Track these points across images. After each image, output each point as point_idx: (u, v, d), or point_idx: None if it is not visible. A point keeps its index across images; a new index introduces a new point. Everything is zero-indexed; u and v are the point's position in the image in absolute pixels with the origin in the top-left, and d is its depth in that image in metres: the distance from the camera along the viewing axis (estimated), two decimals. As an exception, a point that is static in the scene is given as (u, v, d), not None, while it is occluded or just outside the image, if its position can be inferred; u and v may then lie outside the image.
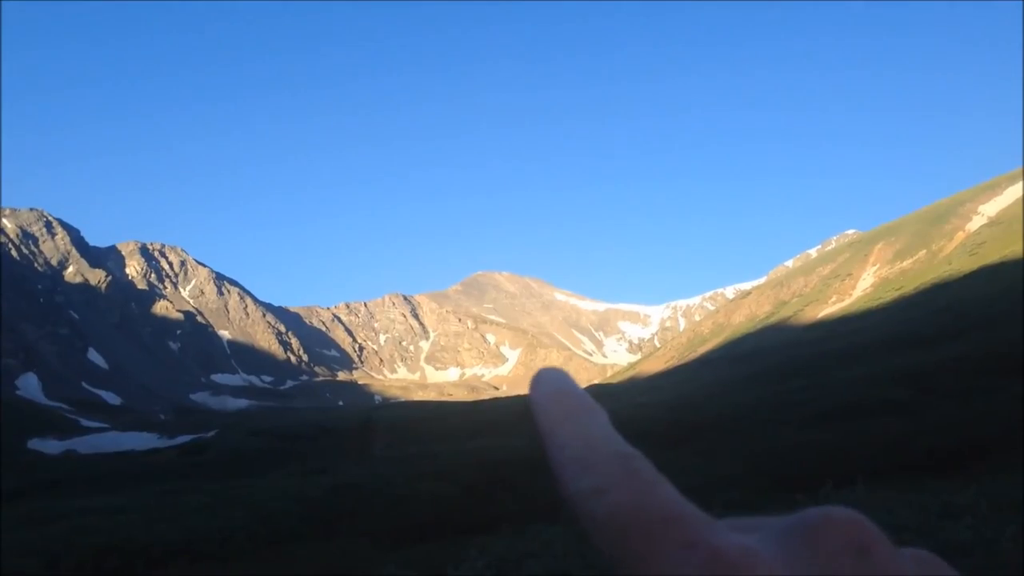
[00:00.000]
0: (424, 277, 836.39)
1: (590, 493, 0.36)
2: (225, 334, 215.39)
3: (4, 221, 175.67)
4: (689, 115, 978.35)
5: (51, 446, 58.14)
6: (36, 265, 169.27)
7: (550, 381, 0.43)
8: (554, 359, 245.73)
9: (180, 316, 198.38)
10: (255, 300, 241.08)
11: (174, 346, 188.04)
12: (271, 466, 35.54)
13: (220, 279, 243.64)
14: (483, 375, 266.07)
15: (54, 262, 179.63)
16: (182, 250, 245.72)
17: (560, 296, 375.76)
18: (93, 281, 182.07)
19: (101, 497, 24.67)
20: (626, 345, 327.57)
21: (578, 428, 0.39)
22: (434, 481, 24.12)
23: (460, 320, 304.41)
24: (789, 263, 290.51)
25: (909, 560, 0.37)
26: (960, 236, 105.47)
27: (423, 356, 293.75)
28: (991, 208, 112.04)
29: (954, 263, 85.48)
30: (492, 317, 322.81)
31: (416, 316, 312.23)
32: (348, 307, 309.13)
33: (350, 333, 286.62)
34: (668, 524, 0.34)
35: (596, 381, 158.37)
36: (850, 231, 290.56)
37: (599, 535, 0.35)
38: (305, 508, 20.94)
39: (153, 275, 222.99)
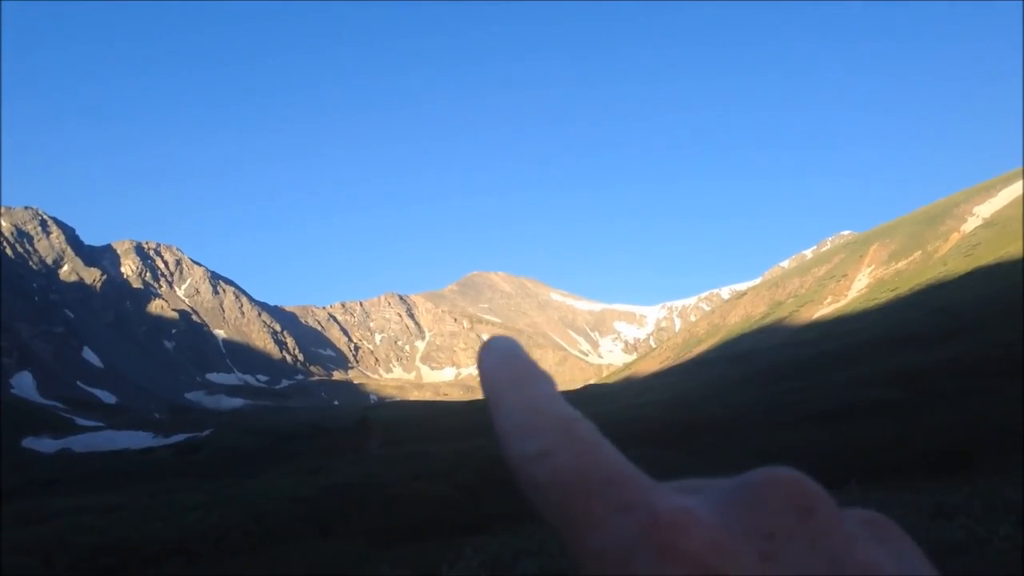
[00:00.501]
0: (420, 277, 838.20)
1: (532, 457, 0.35)
2: (220, 333, 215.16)
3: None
4: (686, 116, 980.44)
5: (46, 445, 57.98)
6: (31, 264, 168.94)
7: (498, 349, 0.43)
8: (550, 359, 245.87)
9: (175, 315, 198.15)
10: (250, 299, 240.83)
11: (169, 345, 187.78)
12: (266, 465, 35.51)
13: (215, 278, 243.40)
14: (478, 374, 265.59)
15: (49, 261, 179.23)
16: (177, 249, 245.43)
17: (556, 296, 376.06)
18: (88, 280, 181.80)
19: (96, 496, 24.63)
20: (622, 345, 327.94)
21: (523, 394, 0.39)
22: (429, 481, 24.11)
23: (456, 320, 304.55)
24: (785, 264, 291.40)
25: (855, 521, 0.36)
26: (955, 237, 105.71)
27: (419, 356, 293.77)
28: (986, 210, 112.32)
29: (949, 264, 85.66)
30: (488, 317, 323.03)
31: (412, 316, 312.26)
32: (344, 307, 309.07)
33: (346, 333, 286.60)
34: (608, 486, 0.34)
35: (592, 381, 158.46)
36: (845, 232, 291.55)
37: (540, 499, 0.35)
38: (300, 507, 20.90)
39: (148, 274, 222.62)
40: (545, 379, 0.40)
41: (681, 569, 0.33)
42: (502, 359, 0.42)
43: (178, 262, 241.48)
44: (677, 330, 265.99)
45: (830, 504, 0.34)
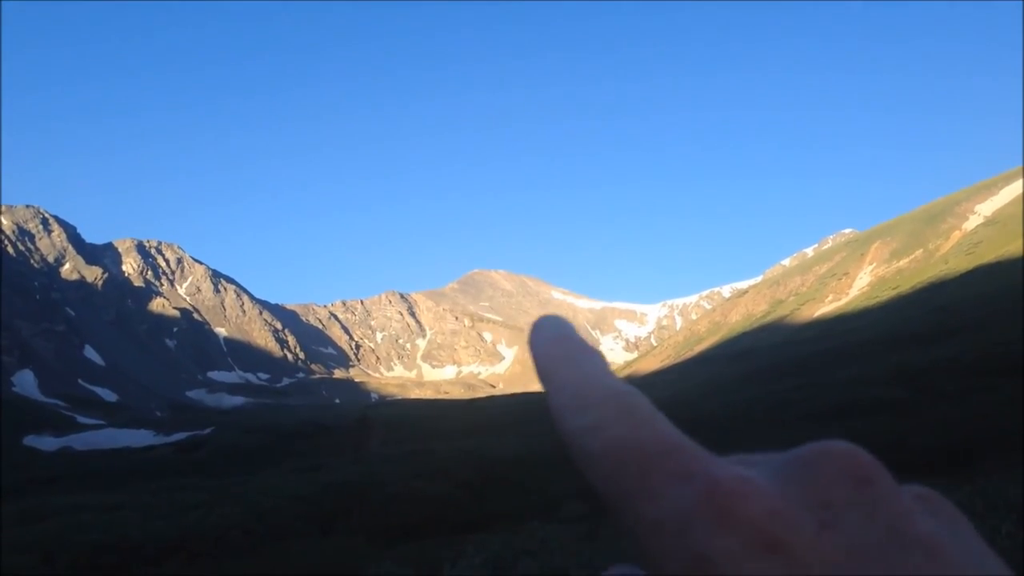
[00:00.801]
0: (421, 275, 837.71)
1: (586, 430, 0.35)
2: (221, 331, 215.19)
3: (0, 218, 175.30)
4: (687, 114, 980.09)
5: (47, 443, 57.99)
6: (32, 262, 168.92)
7: (549, 327, 0.43)
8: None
9: (176, 313, 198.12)
10: (251, 298, 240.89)
11: (170, 343, 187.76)
12: (267, 463, 35.52)
13: (216, 276, 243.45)
14: (480, 373, 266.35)
15: (50, 259, 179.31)
16: (179, 247, 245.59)
17: (557, 294, 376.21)
18: (89, 278, 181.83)
19: (97, 494, 24.62)
20: (623, 343, 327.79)
21: (575, 370, 0.39)
22: (430, 479, 24.09)
23: (457, 318, 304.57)
24: (786, 262, 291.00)
25: (911, 495, 0.35)
26: (956, 235, 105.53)
27: (420, 354, 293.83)
28: (987, 207, 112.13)
29: (950, 262, 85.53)
30: (489, 315, 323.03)
31: (413, 314, 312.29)
32: (345, 305, 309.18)
33: (347, 331, 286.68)
34: (665, 456, 0.34)
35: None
36: (847, 230, 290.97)
37: (595, 472, 0.34)
38: (301, 506, 20.90)
39: (149, 272, 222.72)
40: (596, 356, 0.41)
41: (741, 536, 0.33)
42: (553, 337, 0.42)
43: (179, 260, 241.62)
44: (678, 328, 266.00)
45: (887, 476, 0.34)
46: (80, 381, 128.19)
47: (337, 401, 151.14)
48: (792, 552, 0.32)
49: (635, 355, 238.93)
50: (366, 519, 19.61)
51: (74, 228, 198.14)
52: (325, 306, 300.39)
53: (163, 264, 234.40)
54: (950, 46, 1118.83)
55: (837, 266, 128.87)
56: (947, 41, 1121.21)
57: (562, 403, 0.37)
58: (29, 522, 18.62)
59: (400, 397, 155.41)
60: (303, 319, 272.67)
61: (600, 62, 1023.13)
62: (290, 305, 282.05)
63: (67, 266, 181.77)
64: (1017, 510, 8.51)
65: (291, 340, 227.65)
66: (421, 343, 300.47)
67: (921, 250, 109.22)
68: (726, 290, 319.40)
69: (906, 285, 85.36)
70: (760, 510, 0.33)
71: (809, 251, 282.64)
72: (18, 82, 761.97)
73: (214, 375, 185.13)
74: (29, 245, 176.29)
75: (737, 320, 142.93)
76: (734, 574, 0.32)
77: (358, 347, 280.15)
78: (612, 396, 0.37)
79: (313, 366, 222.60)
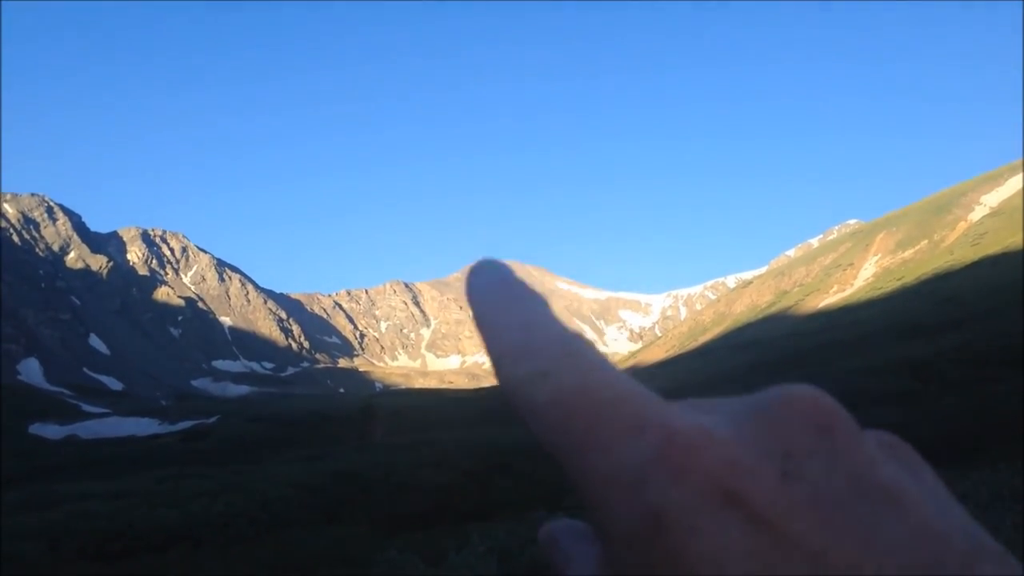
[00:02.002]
0: (425, 265, 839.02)
1: (530, 378, 0.32)
2: (226, 320, 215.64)
3: (5, 206, 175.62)
4: (692, 105, 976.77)
5: (52, 431, 58.07)
6: (37, 250, 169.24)
7: (487, 271, 0.39)
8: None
9: (181, 302, 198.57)
10: (256, 287, 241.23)
11: (175, 332, 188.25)
12: (272, 452, 35.56)
13: (221, 265, 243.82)
14: (484, 363, 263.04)
15: (55, 247, 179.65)
16: (183, 236, 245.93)
17: (561, 284, 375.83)
18: (94, 267, 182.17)
19: (102, 482, 24.66)
20: (627, 334, 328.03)
21: (517, 315, 0.35)
22: (434, 468, 24.13)
23: (461, 308, 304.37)
24: (791, 252, 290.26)
25: (874, 442, 0.34)
26: (962, 226, 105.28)
27: (424, 343, 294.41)
28: (993, 198, 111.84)
29: (956, 253, 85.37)
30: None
31: (417, 303, 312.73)
32: (349, 294, 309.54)
33: (351, 320, 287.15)
34: (616, 405, 0.32)
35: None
36: (852, 221, 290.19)
37: (540, 423, 0.32)
38: (305, 494, 20.94)
39: (154, 261, 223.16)
40: (539, 299, 0.37)
41: (698, 490, 0.30)
42: (492, 281, 0.38)
43: (184, 249, 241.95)
44: (683, 319, 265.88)
45: (850, 422, 0.33)
46: (85, 369, 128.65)
47: (342, 390, 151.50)
48: (752, 504, 0.30)
49: (639, 345, 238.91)
50: (371, 508, 19.65)
51: (79, 216, 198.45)
52: (330, 295, 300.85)
53: (168, 253, 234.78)
54: (956, 36, 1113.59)
55: (842, 257, 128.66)
56: (953, 31, 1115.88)
57: (503, 349, 0.34)
58: (34, 510, 18.67)
59: (404, 386, 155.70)
60: (308, 308, 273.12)
61: (605, 54, 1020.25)
62: (295, 294, 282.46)
63: (72, 255, 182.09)
64: (1021, 499, 8.49)
65: (296, 329, 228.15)
66: (426, 333, 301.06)
67: (926, 241, 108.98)
68: (731, 280, 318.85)
69: (911, 276, 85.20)
70: (718, 462, 0.30)
71: (814, 242, 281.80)
72: (23, 70, 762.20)
73: (219, 364, 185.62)
74: (34, 233, 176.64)
75: (742, 311, 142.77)
76: (691, 528, 0.29)
77: (363, 336, 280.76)
78: (558, 341, 0.34)
79: (318, 355, 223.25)
